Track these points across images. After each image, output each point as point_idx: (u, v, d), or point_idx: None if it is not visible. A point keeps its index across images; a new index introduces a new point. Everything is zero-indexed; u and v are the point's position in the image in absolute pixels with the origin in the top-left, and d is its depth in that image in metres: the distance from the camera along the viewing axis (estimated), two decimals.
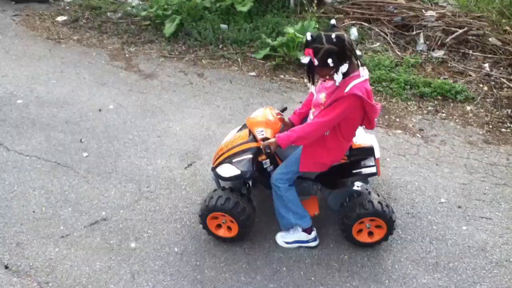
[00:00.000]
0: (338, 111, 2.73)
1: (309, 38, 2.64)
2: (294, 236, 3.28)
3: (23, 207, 3.66)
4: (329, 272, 3.14)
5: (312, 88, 2.95)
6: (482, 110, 4.71)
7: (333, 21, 2.74)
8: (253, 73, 5.67)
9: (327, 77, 2.79)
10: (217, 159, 3.26)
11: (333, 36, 2.60)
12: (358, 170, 3.10)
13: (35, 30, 6.77)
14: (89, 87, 5.39)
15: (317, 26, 6.02)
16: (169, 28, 6.37)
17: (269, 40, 5.79)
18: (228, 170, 3.13)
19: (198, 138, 4.46)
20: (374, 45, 5.86)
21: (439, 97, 4.92)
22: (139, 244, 3.35)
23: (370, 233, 3.23)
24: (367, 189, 3.25)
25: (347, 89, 2.68)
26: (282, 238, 3.32)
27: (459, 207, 3.60)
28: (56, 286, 3.04)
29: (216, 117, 4.79)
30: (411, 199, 3.68)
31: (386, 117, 4.70)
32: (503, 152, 4.15)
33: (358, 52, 5.70)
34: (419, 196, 3.70)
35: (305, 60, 2.66)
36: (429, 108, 4.81)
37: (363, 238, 3.24)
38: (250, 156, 3.12)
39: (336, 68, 2.65)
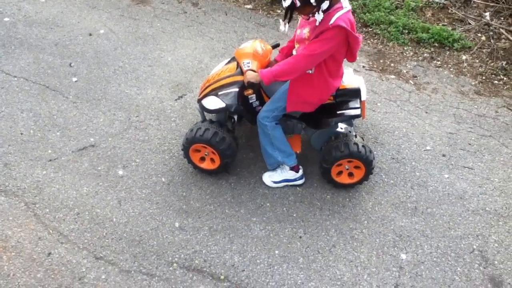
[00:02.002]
0: (323, 43, 2.67)
1: None
2: (282, 175, 3.33)
3: (11, 129, 3.64)
4: (311, 209, 3.23)
5: (284, 27, 2.85)
6: (477, 61, 4.68)
7: None
8: (249, 6, 5.50)
9: (310, 15, 2.72)
10: (203, 91, 3.23)
11: None
12: (342, 111, 3.10)
13: None
14: (80, 9, 5.21)
15: None
16: None
17: None
18: (213, 102, 3.12)
19: (190, 70, 4.39)
20: None
21: (436, 44, 4.85)
22: (127, 172, 3.39)
23: (351, 174, 3.29)
24: (350, 131, 3.28)
25: (331, 21, 2.61)
26: (269, 178, 3.37)
27: (444, 155, 3.66)
28: (43, 207, 3.10)
29: (209, 49, 4.70)
30: (397, 144, 3.73)
31: (381, 61, 4.66)
32: (493, 104, 4.17)
33: None
34: (406, 143, 3.75)
35: (287, 2, 2.59)
36: (425, 54, 4.76)
37: (343, 179, 3.30)
38: (236, 89, 3.09)
39: (318, 6, 2.60)
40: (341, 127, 3.30)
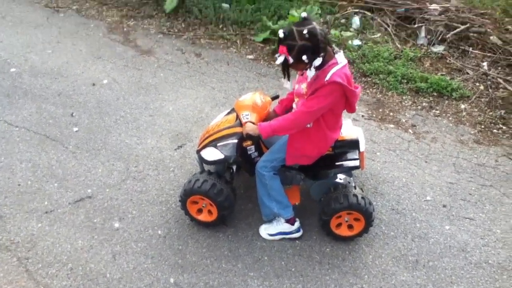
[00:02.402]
0: (321, 100, 2.70)
1: (281, 35, 2.60)
2: (278, 228, 3.29)
3: (9, 180, 3.65)
4: (310, 263, 3.16)
5: (287, 84, 2.90)
6: (476, 110, 4.69)
7: (304, 14, 2.66)
8: (251, 56, 5.61)
9: (304, 70, 2.78)
10: (202, 142, 3.24)
11: (305, 31, 2.55)
12: (341, 162, 3.10)
13: None
14: (85, 60, 5.33)
15: (319, 12, 5.95)
16: (170, 3, 6.26)
17: (269, 23, 5.72)
18: (212, 154, 3.12)
19: (191, 120, 4.43)
20: (375, 36, 5.79)
21: (435, 93, 4.89)
22: (123, 224, 3.36)
23: (350, 226, 3.24)
24: (349, 182, 3.25)
25: (327, 77, 2.66)
26: (265, 231, 3.33)
27: (444, 206, 3.61)
28: (36, 262, 3.06)
29: (210, 99, 4.76)
30: (397, 195, 3.69)
31: (380, 110, 4.68)
32: (493, 153, 4.15)
33: (357, 42, 5.64)
34: (406, 193, 3.71)
35: (280, 59, 2.65)
36: (424, 104, 4.78)
37: (343, 231, 3.25)
38: (235, 141, 3.09)
39: (310, 63, 2.65)
40: (340, 178, 3.28)
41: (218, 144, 3.12)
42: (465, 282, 3.07)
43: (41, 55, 5.37)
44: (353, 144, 3.12)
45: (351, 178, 3.35)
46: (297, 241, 3.30)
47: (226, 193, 3.15)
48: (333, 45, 2.79)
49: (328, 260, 3.19)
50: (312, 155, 3.03)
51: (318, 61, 2.64)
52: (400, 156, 4.08)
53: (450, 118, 4.58)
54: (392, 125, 4.47)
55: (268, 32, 5.73)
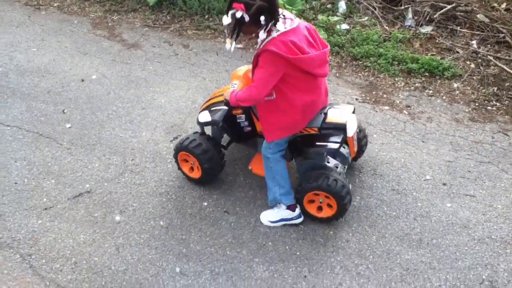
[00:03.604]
0: (261, 71, 2.63)
1: None
2: (279, 215, 3.27)
3: (5, 178, 3.58)
4: (314, 247, 3.15)
5: (231, 46, 2.70)
6: (468, 88, 4.72)
7: None
8: (240, 45, 5.57)
9: (253, 35, 2.65)
10: (203, 106, 3.47)
11: None
12: (321, 143, 3.09)
13: None
14: (71, 56, 5.25)
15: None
16: None
17: None
18: (204, 116, 3.33)
19: (184, 111, 4.39)
20: (363, 19, 5.79)
21: (427, 74, 4.90)
22: (124, 217, 3.31)
23: (320, 208, 3.25)
24: (336, 167, 3.25)
25: (261, 47, 2.61)
26: (266, 217, 3.31)
27: (444, 184, 3.63)
28: (39, 258, 3.00)
29: (202, 89, 4.71)
30: (397, 175, 3.70)
31: (374, 93, 4.68)
32: (488, 130, 4.18)
33: (345, 26, 5.63)
34: (405, 173, 3.72)
35: (237, 14, 2.51)
36: (417, 84, 4.80)
37: (311, 209, 3.26)
38: (226, 108, 3.26)
39: (266, 26, 2.55)
40: (330, 161, 3.27)
41: (212, 109, 3.34)
42: (470, 258, 3.09)
43: (26, 53, 5.28)
44: (340, 128, 3.09)
45: (344, 166, 3.34)
46: (300, 226, 3.29)
47: (210, 154, 3.33)
48: (280, 12, 2.65)
49: (332, 242, 3.19)
50: (288, 126, 2.95)
51: (277, 27, 2.57)
52: (397, 137, 4.09)
53: (444, 98, 4.60)
54: (386, 107, 4.48)
55: None
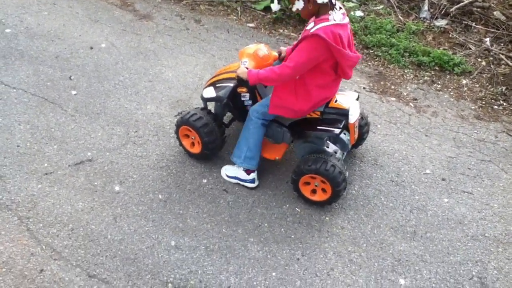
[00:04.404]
0: (303, 53, 2.71)
1: None
2: (235, 172, 3.42)
3: (7, 140, 3.60)
4: (309, 231, 3.18)
5: (274, 6, 2.95)
6: (477, 85, 4.69)
7: None
8: (251, 24, 5.53)
9: (293, 5, 2.78)
10: (208, 81, 3.46)
11: None
12: (322, 127, 3.12)
13: None
14: (82, 23, 5.22)
15: None
16: None
17: None
18: (208, 92, 3.33)
19: (191, 87, 4.38)
20: (378, 7, 5.72)
21: (437, 68, 4.87)
22: (123, 188, 3.34)
23: (314, 191, 3.28)
24: (335, 152, 3.28)
25: (312, 30, 2.66)
26: (225, 171, 3.48)
27: (443, 179, 3.64)
28: (37, 222, 3.04)
29: (211, 66, 4.70)
30: (397, 167, 3.70)
31: (382, 83, 4.66)
32: (492, 129, 4.16)
33: (360, 13, 5.57)
34: (405, 165, 3.73)
35: None
36: (426, 78, 4.76)
37: (305, 191, 3.29)
38: (231, 85, 3.27)
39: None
40: (330, 147, 3.28)
41: (217, 85, 3.33)
42: (462, 253, 3.11)
43: (36, 16, 5.25)
44: (342, 114, 3.11)
45: (342, 152, 3.36)
46: (297, 209, 3.31)
47: (210, 128, 3.33)
48: (337, 5, 2.75)
49: (327, 228, 3.21)
50: (295, 109, 3.02)
51: (300, 3, 2.69)
52: (400, 129, 4.08)
53: (452, 93, 4.58)
54: (393, 98, 4.46)
55: (270, 0, 5.64)
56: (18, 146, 3.57)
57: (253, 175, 3.38)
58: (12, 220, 3.03)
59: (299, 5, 2.73)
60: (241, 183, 3.41)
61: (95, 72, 4.45)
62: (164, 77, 4.48)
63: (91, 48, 4.80)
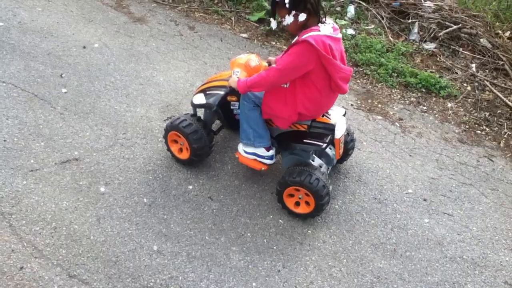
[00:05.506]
0: (292, 58, 2.75)
1: None
2: (254, 149, 3.36)
3: None
4: (291, 243, 3.21)
5: (273, 24, 2.97)
6: (461, 109, 4.80)
7: None
8: (245, 35, 5.58)
9: (283, 18, 2.84)
10: (198, 88, 3.49)
11: None
12: (308, 140, 3.19)
13: None
14: (76, 21, 5.21)
15: None
16: None
17: (266, 3, 5.69)
18: (198, 98, 3.36)
19: (181, 93, 4.40)
20: (369, 27, 5.83)
21: (423, 90, 4.98)
22: (109, 189, 3.34)
23: (297, 204, 3.33)
24: (320, 166, 3.32)
25: (302, 37, 2.71)
26: (243, 147, 3.40)
27: (425, 200, 3.71)
28: (20, 218, 3.01)
29: (202, 73, 4.73)
30: (380, 185, 3.77)
31: (369, 101, 4.74)
32: (475, 153, 4.27)
33: (351, 31, 5.67)
34: (388, 184, 3.79)
35: None
36: (412, 99, 4.87)
37: (289, 203, 3.34)
38: (222, 93, 3.30)
39: (289, 11, 2.74)
40: (315, 160, 3.33)
41: (207, 92, 3.36)
42: (439, 274, 3.17)
43: (30, 12, 5.23)
44: (328, 128, 3.17)
45: (327, 166, 3.41)
46: (280, 221, 3.34)
47: (199, 135, 3.36)
48: (324, 18, 2.81)
49: (309, 241, 3.25)
50: (283, 117, 3.06)
51: (302, 17, 2.73)
52: (385, 148, 4.15)
53: (436, 115, 4.68)
54: (380, 117, 4.54)
55: (264, 12, 5.72)
56: (4, 140, 3.54)
57: (272, 152, 3.35)
58: None
59: (289, 20, 2.78)
60: (258, 159, 3.35)
61: (87, 71, 4.45)
62: (155, 81, 4.50)
63: (84, 47, 4.80)
